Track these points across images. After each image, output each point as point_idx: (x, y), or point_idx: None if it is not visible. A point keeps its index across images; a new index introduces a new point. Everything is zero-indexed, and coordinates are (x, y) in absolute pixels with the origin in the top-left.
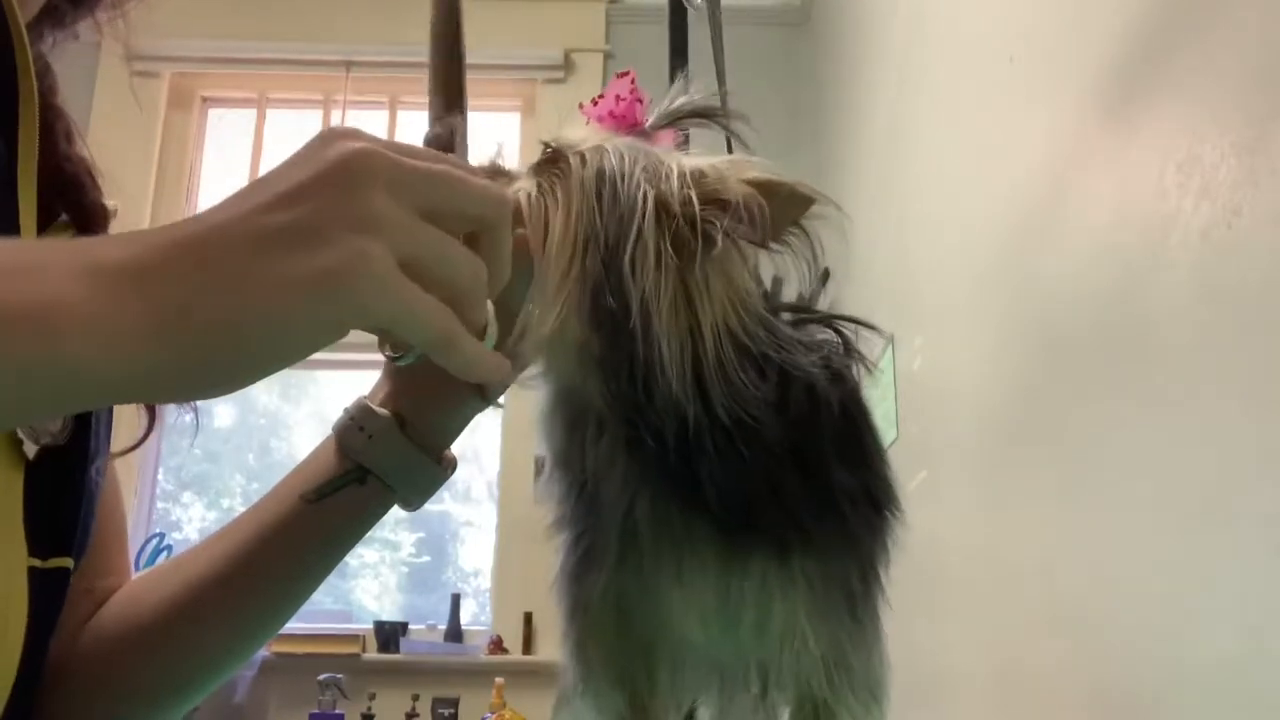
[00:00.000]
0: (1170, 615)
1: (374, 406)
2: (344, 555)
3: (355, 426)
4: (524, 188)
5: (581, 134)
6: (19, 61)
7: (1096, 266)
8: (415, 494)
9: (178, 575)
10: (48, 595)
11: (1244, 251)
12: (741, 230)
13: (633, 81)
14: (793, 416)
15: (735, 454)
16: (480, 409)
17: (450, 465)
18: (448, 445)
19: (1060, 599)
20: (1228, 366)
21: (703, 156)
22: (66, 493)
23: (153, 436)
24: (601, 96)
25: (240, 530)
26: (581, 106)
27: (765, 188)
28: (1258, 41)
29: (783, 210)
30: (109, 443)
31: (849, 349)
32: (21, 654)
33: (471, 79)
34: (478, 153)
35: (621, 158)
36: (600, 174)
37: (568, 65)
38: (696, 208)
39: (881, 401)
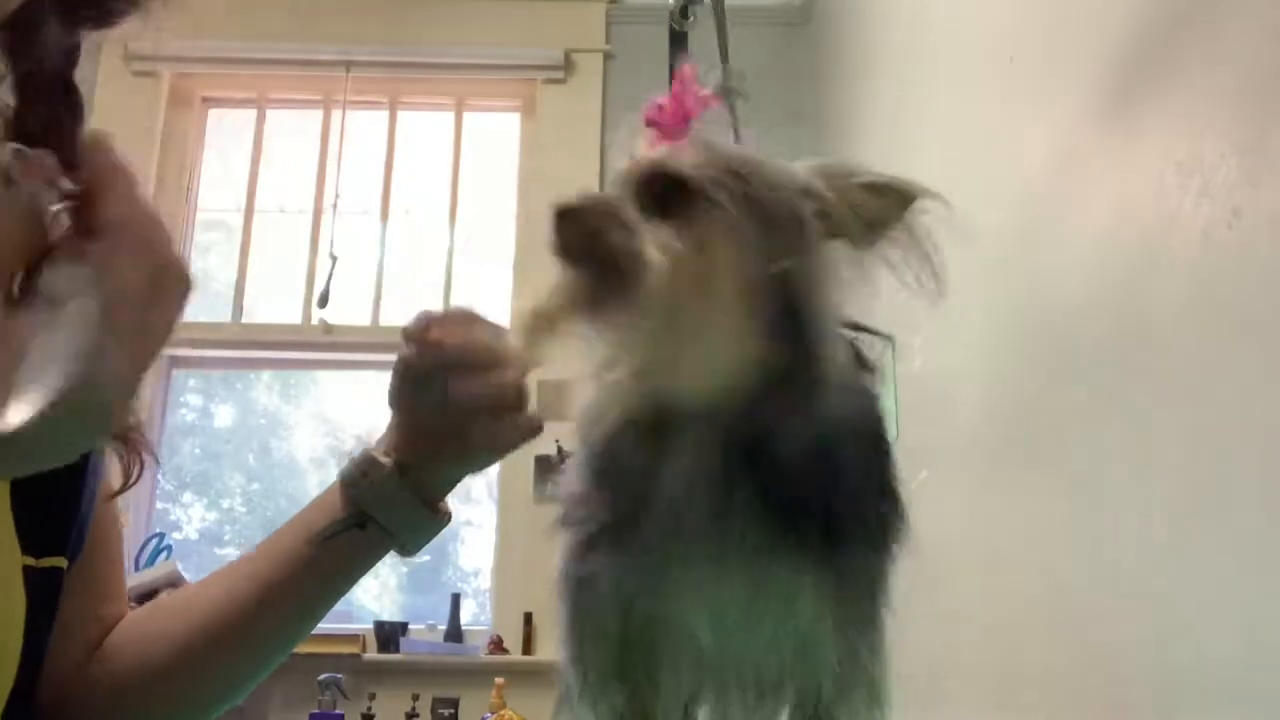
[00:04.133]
0: (1170, 613)
1: (378, 455)
2: (342, 595)
3: (359, 473)
4: (658, 239)
5: (665, 150)
6: None
7: (1096, 266)
8: (412, 541)
9: (188, 615)
10: (43, 593)
11: (1244, 251)
12: (873, 235)
13: (687, 77)
14: (834, 414)
15: (820, 444)
16: (479, 467)
17: (446, 516)
18: (444, 496)
19: (1060, 598)
20: (1228, 366)
21: (805, 161)
22: (60, 492)
23: (153, 437)
24: (662, 104)
25: (244, 570)
26: (649, 126)
27: (877, 190)
28: (1258, 41)
29: (890, 210)
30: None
31: (863, 362)
32: (21, 651)
33: (471, 79)
34: (476, 151)
35: (753, 173)
36: (747, 199)
37: (568, 65)
38: (849, 215)
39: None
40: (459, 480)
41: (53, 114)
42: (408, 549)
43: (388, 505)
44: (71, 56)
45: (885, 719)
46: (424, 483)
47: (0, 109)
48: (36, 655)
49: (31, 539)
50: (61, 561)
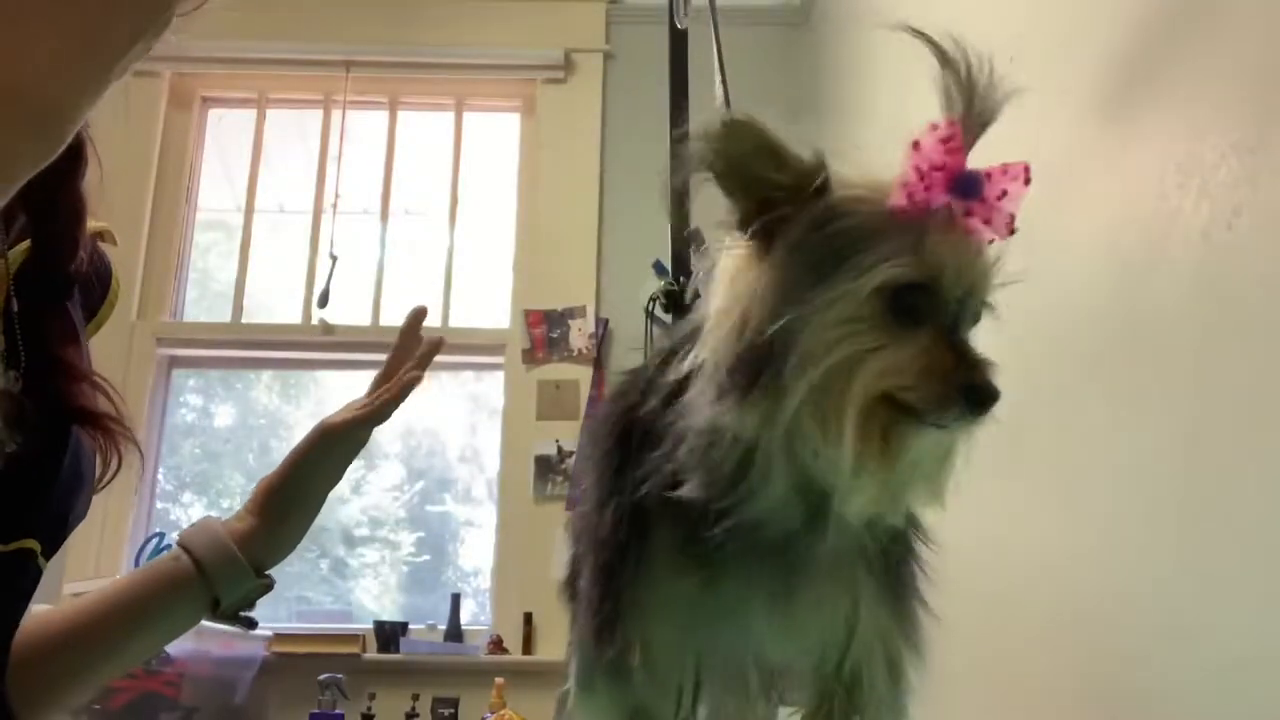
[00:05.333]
0: (1170, 614)
1: (228, 538)
2: (160, 635)
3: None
4: None
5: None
6: None
7: (1096, 266)
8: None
9: (63, 612)
10: (10, 576)
11: (1244, 251)
12: None
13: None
14: None
15: None
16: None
17: (270, 582)
18: (271, 566)
19: (1060, 598)
20: (1228, 366)
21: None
22: (33, 474)
23: (153, 437)
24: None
25: (92, 600)
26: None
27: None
28: (1258, 41)
29: None
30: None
31: None
32: None
33: (471, 79)
34: (476, 151)
35: None
36: None
37: (568, 65)
38: None
39: None
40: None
41: None
42: (224, 599)
43: (220, 559)
44: None
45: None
46: (261, 552)
47: None
48: (4, 634)
49: (2, 522)
50: (33, 543)
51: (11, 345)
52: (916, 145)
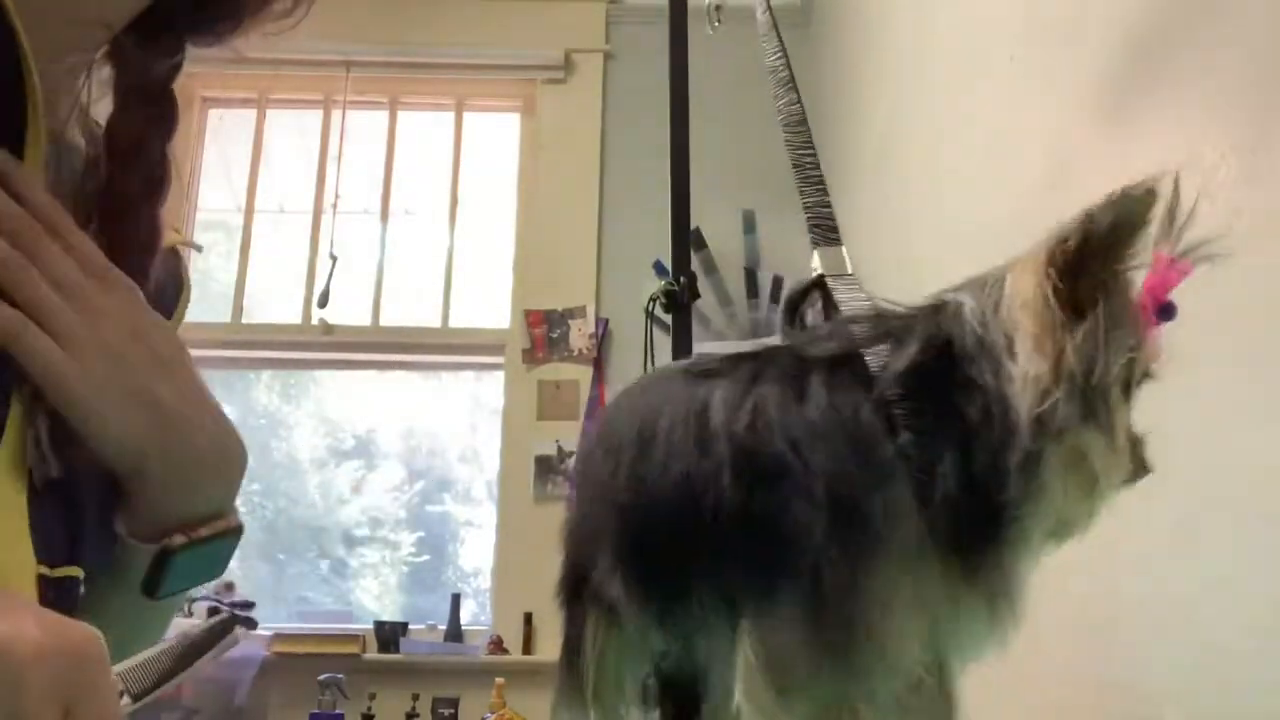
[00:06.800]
0: (1172, 614)
1: None
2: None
3: None
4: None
5: None
6: (29, 97)
7: None
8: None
9: None
10: (56, 603)
11: (1244, 251)
12: None
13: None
14: None
15: None
16: None
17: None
18: None
19: (1064, 599)
20: (1228, 366)
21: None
22: (81, 502)
23: None
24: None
25: None
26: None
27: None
28: (1258, 41)
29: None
30: None
31: None
32: None
33: (471, 79)
34: (476, 151)
35: None
36: None
37: (568, 65)
38: None
39: None
40: None
41: (145, 124)
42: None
43: None
44: (175, 69)
45: None
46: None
47: (83, 112)
48: None
49: (50, 548)
50: (77, 571)
51: None
52: (1155, 266)
